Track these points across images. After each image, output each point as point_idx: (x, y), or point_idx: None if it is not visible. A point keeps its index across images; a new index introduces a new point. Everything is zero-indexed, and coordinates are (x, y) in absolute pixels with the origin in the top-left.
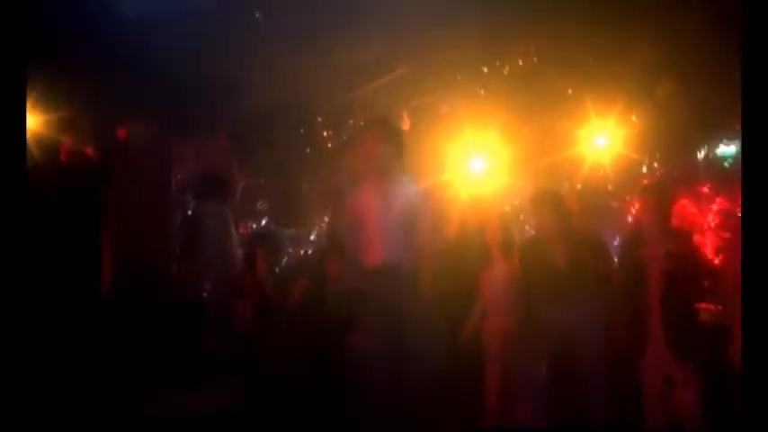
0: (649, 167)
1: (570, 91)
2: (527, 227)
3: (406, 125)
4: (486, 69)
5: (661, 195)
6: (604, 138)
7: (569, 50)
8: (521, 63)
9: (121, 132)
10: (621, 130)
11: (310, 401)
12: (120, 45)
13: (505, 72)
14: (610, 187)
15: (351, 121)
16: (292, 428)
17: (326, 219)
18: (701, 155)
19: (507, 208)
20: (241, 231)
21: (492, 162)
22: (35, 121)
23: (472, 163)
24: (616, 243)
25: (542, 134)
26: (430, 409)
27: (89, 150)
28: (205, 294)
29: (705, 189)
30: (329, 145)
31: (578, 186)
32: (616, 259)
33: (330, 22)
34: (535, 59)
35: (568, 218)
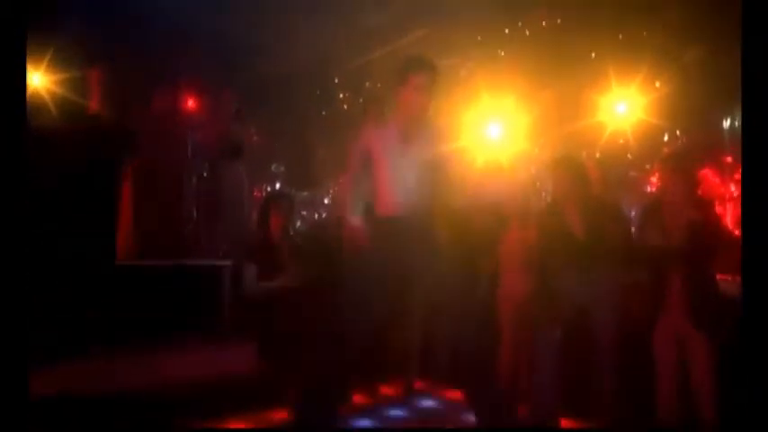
0: (671, 136)
1: (593, 55)
2: (543, 194)
3: None
4: (507, 30)
5: (683, 163)
6: (626, 104)
7: (593, 12)
8: (543, 24)
9: (142, 95)
10: (644, 97)
11: (324, 360)
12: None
13: (527, 34)
14: (630, 156)
15: (367, 84)
16: (305, 388)
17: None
18: (726, 123)
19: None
20: (255, 194)
21: (509, 128)
22: (44, 81)
23: (490, 129)
24: (633, 214)
25: (562, 100)
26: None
27: (102, 112)
28: (222, 255)
29: (728, 159)
30: (345, 107)
31: (597, 155)
32: (634, 229)
33: None
34: (559, 21)
35: (587, 185)
